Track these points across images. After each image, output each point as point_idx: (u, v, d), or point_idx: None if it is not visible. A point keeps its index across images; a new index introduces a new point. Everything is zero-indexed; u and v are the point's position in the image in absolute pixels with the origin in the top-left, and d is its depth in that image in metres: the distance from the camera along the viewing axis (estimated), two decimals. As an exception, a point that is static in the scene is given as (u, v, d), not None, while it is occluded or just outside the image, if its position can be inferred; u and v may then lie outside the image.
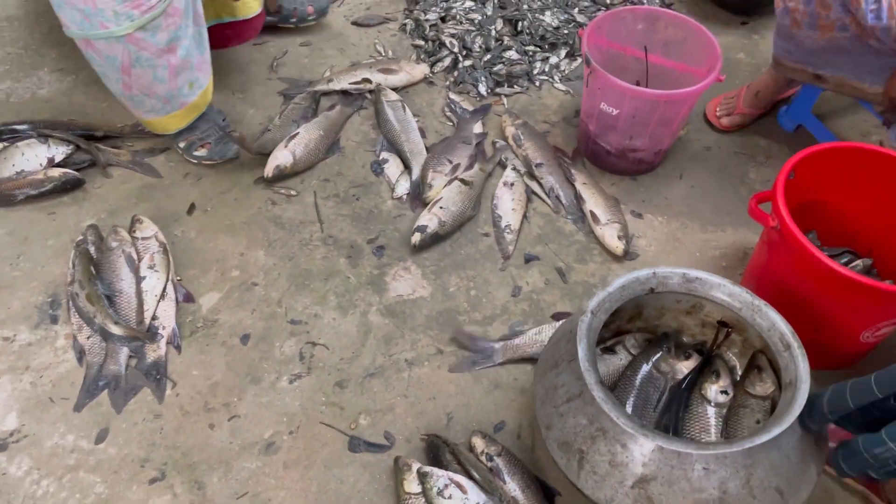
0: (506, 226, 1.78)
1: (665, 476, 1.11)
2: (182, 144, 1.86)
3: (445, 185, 1.80)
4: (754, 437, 1.07)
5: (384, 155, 1.91)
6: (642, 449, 1.13)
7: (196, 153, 1.84)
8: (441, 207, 1.75)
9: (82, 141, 1.83)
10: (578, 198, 1.83)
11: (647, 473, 1.12)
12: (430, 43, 2.20)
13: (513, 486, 1.34)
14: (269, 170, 1.81)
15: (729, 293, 1.28)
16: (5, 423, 1.42)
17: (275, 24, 2.18)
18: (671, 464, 1.11)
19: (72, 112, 1.96)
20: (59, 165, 1.79)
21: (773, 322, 1.21)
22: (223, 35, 1.93)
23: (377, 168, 1.89)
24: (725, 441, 1.12)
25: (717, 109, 2.02)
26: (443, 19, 2.26)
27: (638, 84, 1.91)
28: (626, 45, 1.90)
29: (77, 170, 1.80)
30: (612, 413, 1.11)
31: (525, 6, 2.26)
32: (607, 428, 1.15)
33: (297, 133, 1.86)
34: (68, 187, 1.77)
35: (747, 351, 1.39)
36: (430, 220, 1.72)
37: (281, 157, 1.82)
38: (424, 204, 1.79)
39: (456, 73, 2.13)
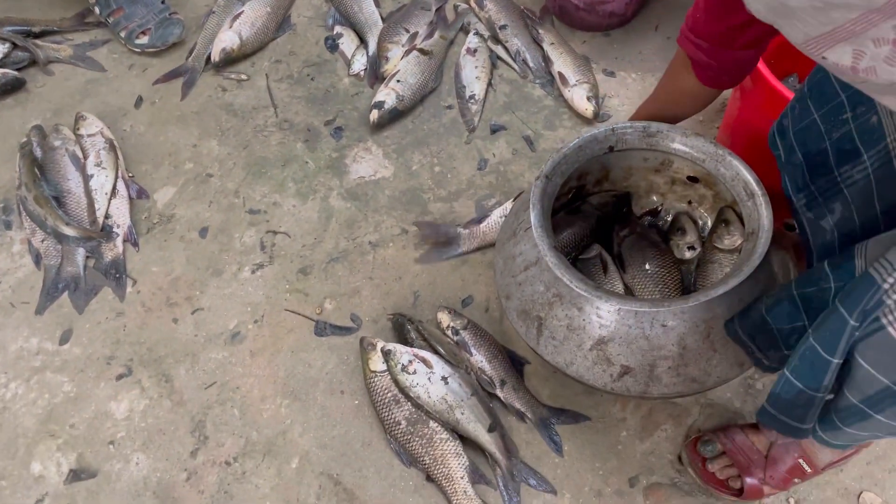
0: (470, 96, 1.68)
1: (623, 336, 1.08)
2: (122, 34, 1.75)
3: (402, 57, 1.70)
4: (711, 289, 1.02)
5: (338, 29, 1.79)
6: (598, 311, 1.09)
7: (137, 41, 1.74)
8: (398, 81, 1.65)
9: (19, 38, 1.73)
10: (546, 59, 1.72)
11: (605, 335, 1.09)
12: None
13: (479, 358, 1.33)
14: (214, 54, 1.71)
15: (691, 145, 1.20)
16: (-33, 330, 1.41)
17: None
18: (628, 323, 1.08)
19: (7, 9, 1.84)
20: (-4, 66, 1.70)
21: (736, 171, 1.14)
22: None
23: (331, 44, 1.78)
24: (682, 297, 1.08)
25: None
26: None
27: (607, -71, 1.74)
28: None
29: (17, 70, 1.71)
30: (565, 277, 1.07)
31: None
32: (563, 293, 1.12)
33: (242, 11, 1.74)
34: (9, 89, 1.69)
35: (717, 206, 1.33)
36: (387, 95, 1.63)
37: (226, 39, 1.71)
38: (382, 79, 1.69)
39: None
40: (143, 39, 1.74)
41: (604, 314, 1.09)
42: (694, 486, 1.23)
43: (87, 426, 1.31)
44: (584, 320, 1.10)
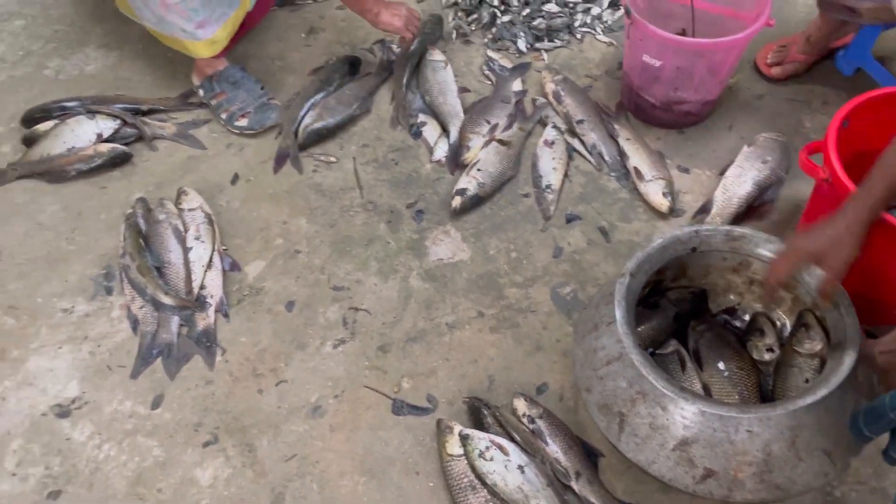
0: (546, 185, 1.75)
1: (707, 439, 1.10)
2: (224, 116, 1.88)
3: (483, 147, 1.78)
4: (798, 399, 1.04)
5: (422, 118, 1.90)
6: (683, 412, 1.11)
7: (237, 123, 1.87)
8: (479, 170, 1.73)
9: (128, 115, 1.87)
10: (622, 154, 1.78)
11: (689, 436, 1.11)
12: (467, 0, 2.15)
13: (555, 448, 1.35)
14: (300, 133, 1.84)
15: (775, 250, 1.23)
16: (67, 390, 1.49)
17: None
18: (713, 426, 1.09)
19: (118, 87, 2.00)
20: (107, 141, 1.83)
21: (820, 279, 1.17)
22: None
23: (416, 131, 1.88)
24: (769, 403, 1.10)
25: (769, 57, 1.92)
26: (481, -28, 2.20)
27: (684, 32, 1.83)
28: (675, -10, 1.82)
29: (125, 144, 1.85)
30: (650, 376, 1.10)
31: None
32: (647, 391, 1.14)
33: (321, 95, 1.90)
34: (117, 162, 1.82)
35: (797, 309, 1.35)
36: (469, 182, 1.71)
37: (308, 117, 1.87)
38: (463, 166, 1.78)
39: (494, 30, 2.08)
40: (243, 122, 1.86)
41: (688, 415, 1.11)
42: None
43: (174, 492, 1.37)
44: (667, 420, 1.12)
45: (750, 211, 1.65)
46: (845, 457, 1.13)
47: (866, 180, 1.17)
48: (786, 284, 1.29)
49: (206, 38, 1.77)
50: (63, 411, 1.46)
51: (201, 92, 1.92)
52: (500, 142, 1.80)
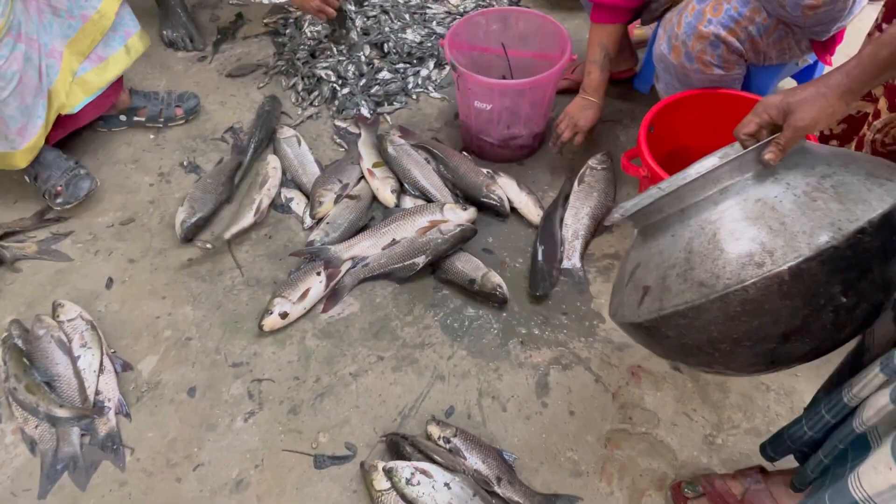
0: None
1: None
2: (44, 195, 1.96)
3: (336, 203, 1.91)
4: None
5: (286, 193, 1.99)
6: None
7: (57, 200, 1.94)
8: (328, 223, 1.87)
9: (-12, 240, 1.84)
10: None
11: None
12: (306, 80, 2.30)
13: (473, 460, 1.45)
14: (177, 229, 1.87)
15: None
16: (-30, 530, 1.42)
17: (141, 123, 2.20)
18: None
19: (-36, 218, 1.96)
20: (-35, 271, 1.78)
21: None
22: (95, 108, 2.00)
23: (283, 208, 1.97)
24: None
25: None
26: (312, 55, 2.37)
27: (504, 78, 2.07)
28: (486, 45, 2.06)
29: (-16, 271, 1.81)
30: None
31: (387, 28, 2.39)
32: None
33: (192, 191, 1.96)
34: (-20, 289, 1.77)
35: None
36: (317, 234, 1.85)
37: (180, 213, 1.90)
38: (316, 219, 1.89)
39: (336, 102, 2.23)
40: (60, 199, 1.93)
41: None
42: (685, 537, 1.37)
43: None
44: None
45: (595, 232, 1.89)
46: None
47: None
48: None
49: (25, 145, 1.81)
50: (-31, 552, 1.39)
51: (27, 178, 1.98)
52: (350, 196, 1.93)
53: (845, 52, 1.38)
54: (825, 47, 1.72)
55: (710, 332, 1.02)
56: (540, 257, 1.81)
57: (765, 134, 1.09)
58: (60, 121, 1.92)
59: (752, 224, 1.00)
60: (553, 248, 1.82)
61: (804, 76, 2.03)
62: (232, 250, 1.89)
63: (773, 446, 1.24)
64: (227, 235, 1.85)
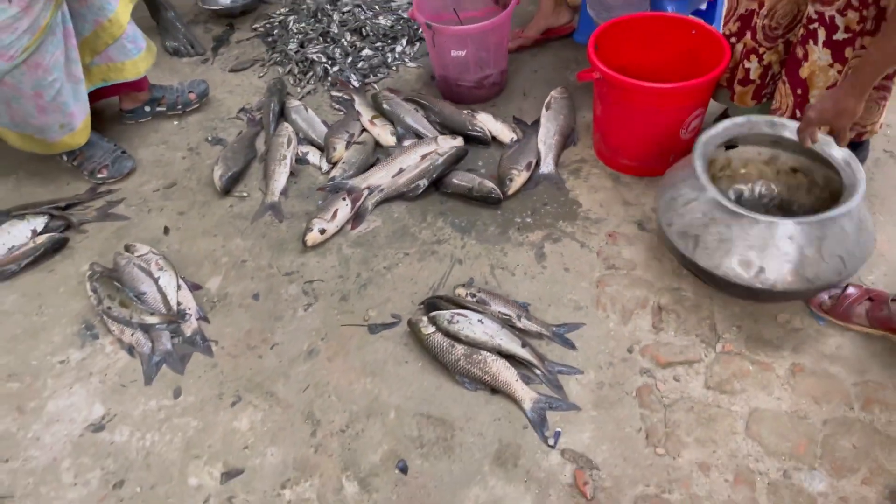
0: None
1: (759, 245, 1.60)
2: (86, 173, 2.29)
3: (346, 148, 2.29)
4: (823, 213, 1.59)
5: (302, 148, 2.36)
6: (743, 227, 1.61)
7: (99, 175, 2.29)
8: (344, 162, 2.25)
9: (55, 209, 2.14)
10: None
11: (749, 244, 1.61)
12: (299, 65, 2.69)
13: (497, 306, 1.82)
14: (217, 182, 2.22)
15: (796, 128, 1.78)
16: (93, 413, 1.71)
17: (164, 113, 2.54)
18: (763, 235, 1.60)
19: (26, 202, 2.26)
20: (41, 234, 2.09)
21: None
22: (115, 89, 2.35)
23: (301, 160, 2.34)
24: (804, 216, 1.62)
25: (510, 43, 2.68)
26: (301, 45, 2.77)
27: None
28: (441, 13, 2.49)
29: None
30: (724, 201, 1.62)
31: (363, 16, 2.82)
32: (717, 216, 1.64)
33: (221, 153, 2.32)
34: (57, 247, 2.08)
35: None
36: (337, 172, 2.24)
37: (217, 170, 2.26)
38: (333, 163, 2.26)
39: (329, 78, 2.63)
40: (104, 173, 2.30)
41: (748, 230, 1.60)
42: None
43: (222, 443, 1.64)
44: (732, 234, 1.62)
45: (565, 147, 2.31)
46: (854, 262, 1.62)
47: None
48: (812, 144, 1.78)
49: (81, 123, 2.15)
50: (97, 427, 1.68)
51: (64, 157, 2.30)
52: (357, 143, 2.32)
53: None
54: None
55: None
56: (505, 160, 2.22)
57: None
58: None
59: None
60: (519, 155, 2.22)
61: (708, 14, 2.52)
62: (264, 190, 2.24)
63: None
64: (274, 196, 2.20)
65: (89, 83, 2.22)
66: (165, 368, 1.79)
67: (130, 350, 1.83)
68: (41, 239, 2.06)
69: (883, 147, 2.22)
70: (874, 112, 1.92)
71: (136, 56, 2.27)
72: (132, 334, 1.84)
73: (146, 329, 1.84)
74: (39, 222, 2.10)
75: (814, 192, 1.89)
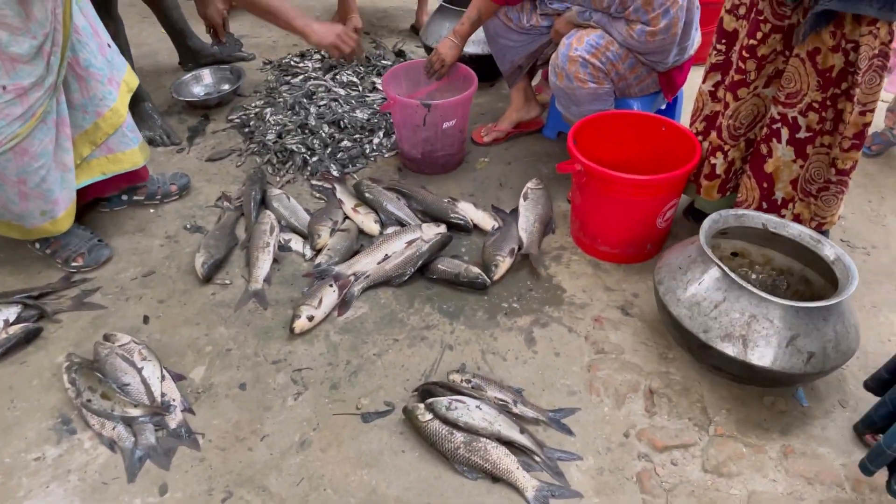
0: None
1: (804, 330, 1.64)
2: (60, 261, 2.24)
3: (331, 235, 2.32)
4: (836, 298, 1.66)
5: (285, 236, 2.37)
6: (784, 313, 1.65)
7: (74, 264, 2.24)
8: (329, 249, 2.27)
9: (28, 298, 2.07)
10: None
11: (794, 333, 1.64)
12: (278, 154, 2.73)
13: (492, 391, 1.82)
14: (199, 270, 2.19)
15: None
16: (72, 514, 1.60)
17: (140, 202, 2.54)
18: (804, 321, 1.64)
19: (-3, 289, 2.18)
20: (13, 324, 2.00)
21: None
22: (115, 184, 2.32)
23: (285, 247, 2.34)
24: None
25: (483, 133, 2.84)
26: (279, 136, 2.81)
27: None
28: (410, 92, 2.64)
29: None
30: (762, 294, 1.65)
31: (340, 110, 2.90)
32: (757, 313, 1.66)
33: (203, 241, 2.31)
34: (31, 338, 1.99)
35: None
36: (321, 259, 2.24)
37: (199, 257, 2.23)
38: (317, 250, 2.27)
39: (309, 168, 2.67)
40: (79, 262, 2.25)
41: (790, 318, 1.64)
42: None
43: (214, 542, 1.55)
44: (778, 326, 1.64)
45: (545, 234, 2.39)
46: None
47: None
48: None
49: (65, 210, 2.12)
50: (77, 529, 1.57)
51: (37, 245, 2.25)
52: (341, 230, 2.34)
53: (689, 94, 2.01)
54: (668, 83, 2.39)
55: None
56: (489, 247, 2.27)
57: None
58: None
59: None
60: (502, 242, 2.28)
61: (668, 112, 2.70)
62: (247, 280, 2.22)
63: (871, 455, 1.45)
64: (258, 283, 2.18)
65: (87, 177, 2.22)
66: (149, 464, 1.70)
67: (111, 445, 1.74)
68: (14, 329, 1.98)
69: (839, 237, 2.37)
70: (832, 204, 2.07)
71: (135, 146, 2.28)
72: (113, 428, 1.75)
73: (128, 422, 1.76)
74: (12, 312, 2.02)
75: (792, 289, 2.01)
